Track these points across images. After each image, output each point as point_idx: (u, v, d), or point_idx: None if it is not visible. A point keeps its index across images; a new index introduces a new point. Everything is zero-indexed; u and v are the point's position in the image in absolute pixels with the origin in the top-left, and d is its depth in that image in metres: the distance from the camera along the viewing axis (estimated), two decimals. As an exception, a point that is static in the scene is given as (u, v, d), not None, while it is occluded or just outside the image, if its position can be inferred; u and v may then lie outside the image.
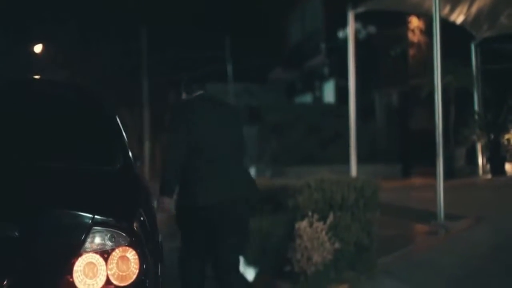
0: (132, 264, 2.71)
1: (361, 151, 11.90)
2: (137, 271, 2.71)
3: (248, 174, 4.84)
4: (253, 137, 19.66)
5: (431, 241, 7.97)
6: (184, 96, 4.99)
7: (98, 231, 2.68)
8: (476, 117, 15.25)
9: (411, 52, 17.90)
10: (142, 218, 2.87)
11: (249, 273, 7.30)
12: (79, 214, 2.69)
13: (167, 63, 24.23)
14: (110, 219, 2.71)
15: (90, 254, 2.66)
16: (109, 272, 2.69)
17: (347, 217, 6.24)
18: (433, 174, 15.70)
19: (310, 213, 6.09)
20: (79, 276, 2.64)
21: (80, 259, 2.65)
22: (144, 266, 2.74)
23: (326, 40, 22.22)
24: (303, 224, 6.02)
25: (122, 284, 2.70)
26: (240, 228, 4.58)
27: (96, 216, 2.69)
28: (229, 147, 4.62)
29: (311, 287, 5.88)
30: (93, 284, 2.65)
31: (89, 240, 2.66)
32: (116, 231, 2.70)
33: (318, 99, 23.65)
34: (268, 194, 8.19)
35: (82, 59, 22.66)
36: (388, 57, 19.01)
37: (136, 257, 2.72)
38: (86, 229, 2.66)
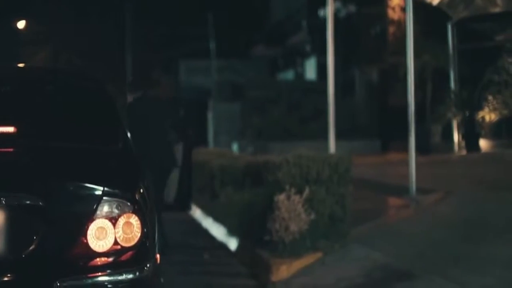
0: (135, 228, 3.29)
1: (340, 127, 12.42)
2: (139, 234, 3.30)
3: (169, 146, 7.65)
4: (236, 113, 20.20)
5: (402, 213, 8.60)
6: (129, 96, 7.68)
7: (107, 201, 3.26)
8: (452, 95, 15.85)
9: (391, 30, 18.40)
10: (142, 190, 3.46)
11: (232, 242, 7.93)
12: (91, 187, 3.28)
13: (150, 40, 24.52)
14: (117, 190, 3.30)
15: (101, 219, 3.25)
16: (116, 235, 3.27)
17: (322, 191, 6.84)
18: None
19: (288, 187, 6.69)
20: (91, 238, 3.24)
21: (92, 224, 3.23)
22: (145, 230, 3.32)
23: (308, 17, 22.71)
24: (281, 197, 6.62)
25: (127, 245, 3.29)
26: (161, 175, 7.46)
27: (105, 188, 3.27)
28: (158, 131, 7.46)
29: (288, 254, 6.50)
30: (103, 245, 3.26)
31: (99, 208, 3.24)
32: (121, 200, 3.28)
33: (300, 76, 24.19)
34: (250, 169, 8.80)
35: (65, 34, 22.89)
36: (368, 35, 19.53)
37: (139, 222, 3.30)
38: (97, 199, 3.24)
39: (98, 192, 3.26)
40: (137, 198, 3.34)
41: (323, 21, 21.68)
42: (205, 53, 23.98)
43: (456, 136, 15.97)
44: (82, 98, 4.23)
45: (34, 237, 3.15)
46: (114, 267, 3.22)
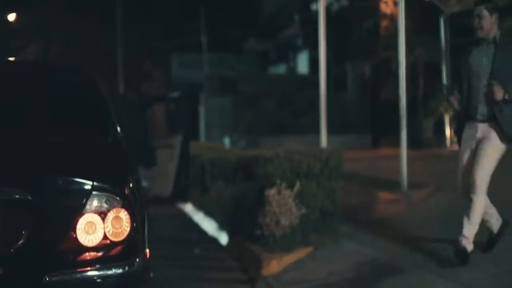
0: (124, 223, 3.31)
1: (332, 121, 12.46)
2: (129, 228, 3.32)
3: None
4: (228, 107, 20.19)
5: (393, 208, 8.63)
6: None
7: (97, 195, 3.28)
8: (444, 90, 15.88)
9: (384, 24, 18.42)
10: (131, 185, 3.48)
11: (223, 237, 7.96)
12: (81, 181, 3.30)
13: (141, 33, 24.48)
14: (106, 185, 3.32)
15: (90, 214, 3.26)
16: (105, 229, 3.29)
17: (313, 185, 6.88)
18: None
19: (278, 181, 6.71)
20: (81, 232, 3.26)
21: (81, 218, 3.25)
22: (134, 224, 3.35)
23: (300, 11, 22.68)
24: (272, 191, 6.65)
25: (116, 240, 3.31)
26: None
27: (95, 183, 3.29)
28: None
29: (279, 248, 6.54)
30: (92, 239, 3.27)
31: (89, 203, 3.26)
32: (111, 195, 3.30)
33: (292, 70, 24.18)
34: (241, 163, 8.82)
35: (55, 27, 22.80)
36: (360, 29, 19.53)
37: (128, 217, 3.32)
38: (87, 194, 3.26)
39: (88, 187, 3.27)
40: (126, 192, 3.36)
41: (316, 14, 21.70)
42: (196, 46, 23.93)
43: (448, 131, 16.03)
44: (71, 92, 4.26)
45: (23, 232, 3.16)
46: (103, 262, 3.24)
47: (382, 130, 17.64)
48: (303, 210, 6.68)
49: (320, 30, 10.54)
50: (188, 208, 10.45)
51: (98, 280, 3.19)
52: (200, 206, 9.73)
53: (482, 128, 5.31)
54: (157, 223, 8.48)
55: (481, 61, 5.30)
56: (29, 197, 3.16)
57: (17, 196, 3.17)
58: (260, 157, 7.41)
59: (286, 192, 6.62)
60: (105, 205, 3.28)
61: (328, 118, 11.96)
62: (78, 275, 3.18)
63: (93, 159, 3.61)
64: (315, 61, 23.37)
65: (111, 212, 3.28)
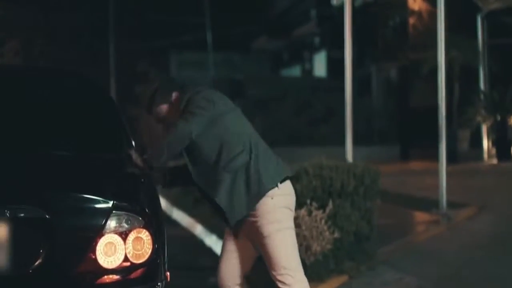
0: (146, 244, 3.41)
1: (355, 131, 12.39)
2: (150, 250, 3.41)
3: None
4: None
5: (433, 230, 8.61)
6: None
7: (117, 215, 3.36)
8: (482, 96, 15.87)
9: (412, 21, 18.43)
10: (152, 203, 3.60)
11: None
12: (101, 200, 3.38)
13: (136, 28, 24.42)
14: (126, 204, 3.40)
15: (110, 234, 3.35)
16: (126, 250, 3.37)
17: (347, 205, 6.83)
18: (434, 157, 16.29)
19: (308, 201, 6.66)
20: (100, 254, 3.33)
21: (101, 239, 3.33)
22: (156, 245, 3.44)
23: (317, 6, 22.73)
24: (302, 212, 6.59)
25: (138, 262, 3.40)
26: None
27: (115, 202, 3.37)
28: None
29: (310, 278, 6.46)
30: (112, 261, 3.35)
31: (109, 222, 3.34)
32: (132, 214, 3.39)
33: (308, 72, 24.21)
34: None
35: (38, 20, 22.72)
36: (386, 27, 19.55)
37: (149, 237, 3.42)
38: (107, 213, 3.34)
39: (108, 206, 3.36)
40: (147, 211, 3.45)
41: (335, 10, 21.74)
42: (199, 45, 23.94)
43: (485, 143, 16.00)
44: (86, 105, 4.46)
45: (40, 252, 3.26)
46: (123, 285, 3.35)
47: (411, 141, 17.62)
48: (336, 234, 6.62)
49: (346, 27, 10.43)
50: (198, 229, 10.38)
51: None
52: (212, 228, 9.65)
53: None
54: (170, 246, 8.42)
55: None
56: (46, 216, 3.26)
57: (33, 215, 3.27)
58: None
59: (318, 213, 6.55)
60: (125, 225, 3.38)
61: (354, 126, 11.89)
62: None
63: (111, 175, 3.73)
64: (334, 62, 23.45)
65: (132, 232, 3.39)
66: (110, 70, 25.31)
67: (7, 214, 3.22)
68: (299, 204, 6.77)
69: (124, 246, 3.36)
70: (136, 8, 23.93)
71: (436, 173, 9.46)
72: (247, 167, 4.05)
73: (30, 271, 3.22)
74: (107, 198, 3.35)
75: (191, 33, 24.11)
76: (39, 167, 3.64)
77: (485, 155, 15.93)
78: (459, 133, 16.31)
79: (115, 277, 3.33)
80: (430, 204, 9.94)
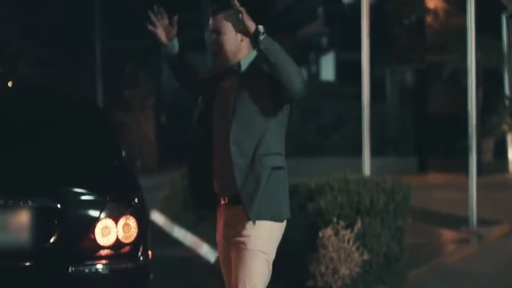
0: (132, 228, 4.89)
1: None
2: (136, 233, 4.89)
3: None
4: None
5: (464, 250, 8.60)
6: None
7: (111, 206, 4.85)
8: (507, 102, 15.84)
9: (430, 21, 18.39)
10: (138, 198, 5.08)
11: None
12: (99, 194, 4.90)
13: (124, 26, 24.25)
14: (118, 198, 4.93)
15: (105, 220, 4.83)
16: (118, 233, 4.85)
17: (377, 224, 6.80)
18: (455, 169, 16.29)
19: (335, 219, 6.63)
20: (98, 234, 4.82)
21: (98, 223, 4.82)
22: (140, 229, 4.90)
23: (325, 3, 22.73)
24: (328, 232, 6.56)
25: (126, 241, 4.87)
26: None
27: (109, 196, 4.89)
28: None
29: (337, 304, 6.45)
30: (107, 240, 4.84)
31: (104, 211, 4.83)
32: (122, 205, 4.90)
33: (314, 76, 24.20)
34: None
35: (17, 17, 22.51)
36: (401, 27, 19.54)
37: (135, 223, 4.89)
38: (103, 204, 4.85)
39: (104, 199, 4.89)
40: (134, 204, 4.99)
41: (345, 7, 21.76)
42: (196, 45, 23.88)
43: (511, 153, 15.98)
44: (86, 124, 5.97)
45: (53, 232, 4.80)
46: (115, 258, 4.86)
47: (430, 151, 17.58)
48: (365, 256, 6.59)
49: (363, 25, 10.26)
50: (204, 249, 10.29)
51: (111, 272, 4.81)
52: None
53: None
54: (172, 268, 8.38)
55: None
56: (58, 206, 4.81)
57: (49, 205, 4.82)
58: (300, 186, 7.26)
59: (346, 233, 6.54)
60: (117, 214, 4.85)
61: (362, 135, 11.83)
62: (95, 267, 4.81)
63: (107, 177, 5.31)
64: (343, 65, 23.48)
65: (122, 219, 4.87)
66: (97, 72, 25.08)
67: (30, 204, 4.81)
68: (324, 223, 6.76)
69: (116, 229, 4.84)
70: (124, 2, 23.78)
71: (459, 186, 9.47)
72: (283, 175, 4.01)
73: (46, 246, 4.78)
74: (103, 193, 4.91)
75: (187, 32, 24.03)
76: (54, 170, 5.16)
77: (511, 167, 15.91)
78: (483, 143, 16.25)
79: (110, 251, 4.86)
80: (457, 221, 9.92)
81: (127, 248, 4.86)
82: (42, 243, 4.77)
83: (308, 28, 23.69)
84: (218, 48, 4.01)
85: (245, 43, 4.01)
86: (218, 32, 4.00)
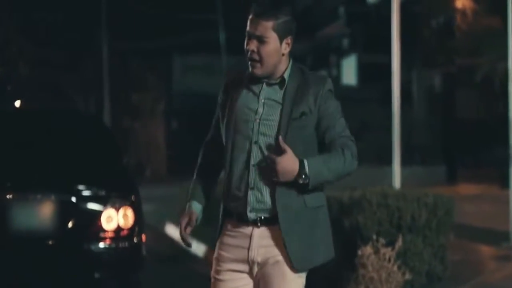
0: (130, 217, 6.64)
1: (392, 149, 12.16)
2: (133, 221, 6.65)
3: None
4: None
5: (506, 268, 8.48)
6: None
7: (114, 199, 6.62)
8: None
9: (459, 22, 18.33)
10: (134, 194, 6.85)
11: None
12: (105, 190, 6.71)
13: (133, 27, 24.23)
14: (120, 193, 6.74)
15: (109, 210, 6.58)
16: (119, 220, 6.59)
17: (419, 241, 6.72)
18: (486, 179, 16.15)
19: (374, 237, 6.54)
20: (103, 221, 6.57)
21: (104, 212, 6.57)
22: (136, 218, 6.67)
23: (347, 3, 22.68)
24: (367, 250, 6.48)
25: (125, 227, 6.61)
26: None
27: (113, 192, 6.71)
28: None
29: (378, 327, 6.36)
30: (110, 226, 6.59)
31: (109, 203, 6.59)
32: (122, 199, 6.66)
33: (335, 79, 24.12)
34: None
35: (17, 17, 22.46)
36: (429, 29, 19.45)
37: (133, 213, 6.65)
38: (108, 198, 6.63)
39: (108, 193, 6.68)
40: (132, 198, 6.76)
41: (368, 8, 21.68)
42: (208, 46, 23.86)
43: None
44: (96, 139, 7.93)
45: (71, 219, 6.58)
46: (117, 238, 6.62)
47: (460, 160, 17.47)
48: (407, 275, 6.51)
49: (393, 25, 10.06)
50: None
51: (113, 249, 6.62)
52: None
53: None
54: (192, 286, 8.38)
55: None
56: (74, 200, 6.63)
57: (67, 198, 6.64)
58: (331, 199, 7.18)
59: (386, 251, 6.45)
60: (118, 205, 6.60)
61: (388, 143, 11.70)
62: (102, 245, 6.61)
63: (111, 178, 7.14)
64: (365, 68, 23.42)
65: (122, 209, 6.59)
66: (103, 75, 24.99)
67: (53, 198, 6.68)
68: (362, 240, 6.69)
69: (117, 218, 6.59)
70: (133, 1, 23.74)
71: (493, 198, 9.35)
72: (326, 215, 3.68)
73: (65, 230, 6.57)
74: (108, 190, 6.70)
75: (198, 33, 23.99)
76: (70, 172, 7.02)
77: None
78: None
79: (112, 234, 6.61)
80: (496, 236, 9.82)
81: (125, 232, 6.66)
82: (62, 227, 6.59)
83: (328, 29, 23.65)
84: (257, 57, 3.62)
85: (286, 55, 3.69)
86: (261, 40, 3.60)
